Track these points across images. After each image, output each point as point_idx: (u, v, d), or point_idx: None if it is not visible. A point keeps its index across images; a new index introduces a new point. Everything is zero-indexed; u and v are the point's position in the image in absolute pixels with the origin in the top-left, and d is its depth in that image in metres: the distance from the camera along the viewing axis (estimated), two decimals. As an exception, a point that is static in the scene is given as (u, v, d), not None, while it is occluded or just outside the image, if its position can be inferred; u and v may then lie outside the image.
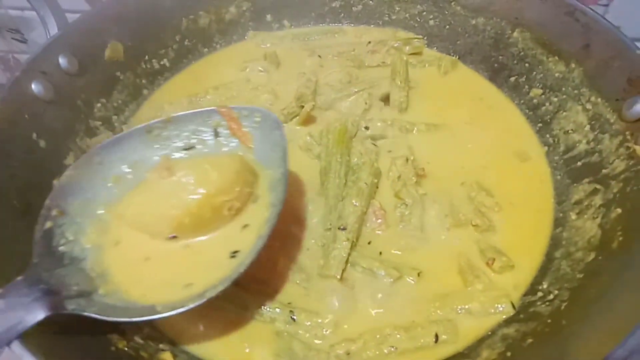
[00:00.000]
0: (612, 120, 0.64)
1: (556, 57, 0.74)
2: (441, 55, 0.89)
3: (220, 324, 0.56)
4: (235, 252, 0.53)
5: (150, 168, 0.59)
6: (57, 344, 0.47)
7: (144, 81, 0.85)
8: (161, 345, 0.55)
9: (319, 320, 0.56)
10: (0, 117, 0.61)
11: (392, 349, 0.53)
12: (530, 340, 0.51)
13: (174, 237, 0.55)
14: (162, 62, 0.87)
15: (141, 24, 0.82)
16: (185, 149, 0.62)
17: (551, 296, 0.56)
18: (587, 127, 0.68)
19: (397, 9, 0.92)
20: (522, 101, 0.80)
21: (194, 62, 0.91)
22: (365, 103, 0.80)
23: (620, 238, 0.55)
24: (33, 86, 0.65)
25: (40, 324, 0.44)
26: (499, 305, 0.56)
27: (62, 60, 0.70)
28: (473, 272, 0.59)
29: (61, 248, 0.53)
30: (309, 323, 0.56)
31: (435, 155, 0.72)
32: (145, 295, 0.51)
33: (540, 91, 0.77)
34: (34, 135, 0.64)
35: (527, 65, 0.79)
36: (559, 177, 0.70)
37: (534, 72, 0.78)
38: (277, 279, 0.59)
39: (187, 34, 0.89)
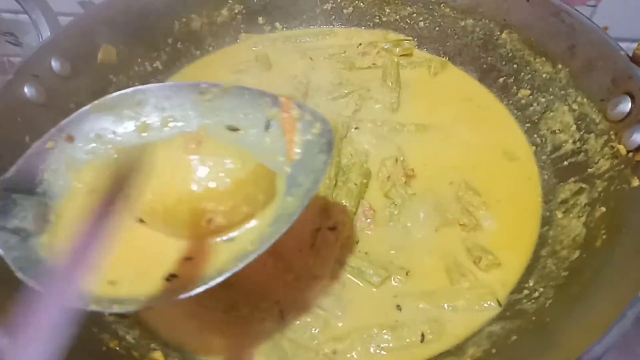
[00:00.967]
0: (597, 120, 0.64)
1: (543, 58, 0.75)
2: (431, 56, 0.90)
3: (210, 324, 0.57)
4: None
5: (182, 132, 0.50)
6: (47, 344, 0.47)
7: (136, 84, 0.85)
8: (152, 345, 0.55)
9: (308, 319, 0.56)
10: (-8, 120, 0.61)
11: (379, 348, 0.54)
12: (514, 338, 0.52)
13: (142, 221, 0.47)
14: (154, 65, 0.88)
15: (134, 27, 0.82)
16: (230, 129, 0.52)
17: (537, 294, 0.57)
18: (574, 127, 0.69)
19: (388, 11, 0.93)
20: (510, 101, 0.81)
21: (187, 65, 0.92)
22: (356, 104, 0.81)
23: (604, 236, 0.56)
24: (25, 89, 0.65)
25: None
26: (485, 303, 0.57)
27: (54, 63, 0.69)
28: (460, 270, 0.60)
29: (45, 175, 0.47)
30: (297, 322, 0.56)
31: (424, 155, 0.73)
32: None
33: (528, 92, 0.77)
34: (27, 138, 0.64)
35: (515, 66, 0.80)
36: (546, 176, 0.70)
37: (522, 73, 0.79)
38: (266, 278, 0.60)
39: (179, 36, 0.89)
